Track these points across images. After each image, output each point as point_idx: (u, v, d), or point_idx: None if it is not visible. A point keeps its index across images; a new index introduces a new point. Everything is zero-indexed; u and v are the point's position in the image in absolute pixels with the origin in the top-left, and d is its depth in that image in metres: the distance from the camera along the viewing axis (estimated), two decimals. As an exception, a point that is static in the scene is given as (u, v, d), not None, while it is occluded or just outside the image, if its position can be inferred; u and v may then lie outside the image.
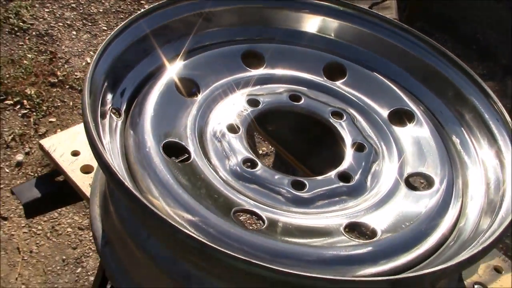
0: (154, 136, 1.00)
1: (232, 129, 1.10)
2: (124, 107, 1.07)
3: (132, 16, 1.13)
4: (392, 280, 0.74)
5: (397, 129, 1.19)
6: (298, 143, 1.28)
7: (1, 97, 2.84)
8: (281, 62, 1.28)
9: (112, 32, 1.08)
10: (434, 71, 1.25)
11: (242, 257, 0.72)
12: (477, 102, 1.16)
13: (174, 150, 1.02)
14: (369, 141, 1.15)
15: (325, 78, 1.28)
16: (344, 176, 1.06)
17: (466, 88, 1.18)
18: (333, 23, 1.32)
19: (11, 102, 2.84)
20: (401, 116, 1.22)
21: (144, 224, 0.90)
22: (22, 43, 3.18)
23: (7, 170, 2.57)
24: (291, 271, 0.70)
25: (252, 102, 1.18)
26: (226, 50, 1.25)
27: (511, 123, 1.08)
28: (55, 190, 1.22)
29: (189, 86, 1.17)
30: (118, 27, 1.10)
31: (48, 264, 2.28)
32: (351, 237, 0.93)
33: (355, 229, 0.97)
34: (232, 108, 1.15)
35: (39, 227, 2.40)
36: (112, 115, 1.02)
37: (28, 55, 3.10)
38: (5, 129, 2.72)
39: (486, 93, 1.15)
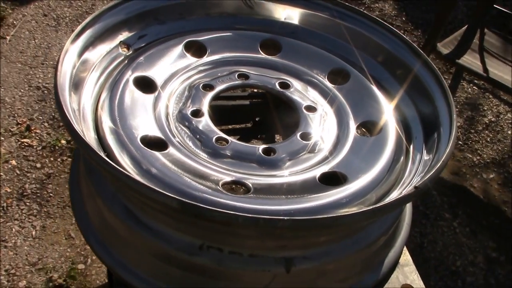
0: (135, 71, 1.25)
1: (207, 86, 1.28)
2: (138, 46, 1.34)
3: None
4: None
5: (358, 136, 1.21)
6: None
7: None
8: (294, 55, 1.40)
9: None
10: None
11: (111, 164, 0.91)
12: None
13: (144, 84, 1.24)
14: (321, 136, 1.21)
15: (326, 79, 1.36)
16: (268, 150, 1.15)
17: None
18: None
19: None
20: (368, 126, 1.23)
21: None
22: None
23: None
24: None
25: (242, 75, 1.34)
26: (247, 34, 1.43)
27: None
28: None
29: (199, 48, 1.38)
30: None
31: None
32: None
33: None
34: (222, 75, 1.33)
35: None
36: (119, 47, 1.30)
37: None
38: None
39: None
